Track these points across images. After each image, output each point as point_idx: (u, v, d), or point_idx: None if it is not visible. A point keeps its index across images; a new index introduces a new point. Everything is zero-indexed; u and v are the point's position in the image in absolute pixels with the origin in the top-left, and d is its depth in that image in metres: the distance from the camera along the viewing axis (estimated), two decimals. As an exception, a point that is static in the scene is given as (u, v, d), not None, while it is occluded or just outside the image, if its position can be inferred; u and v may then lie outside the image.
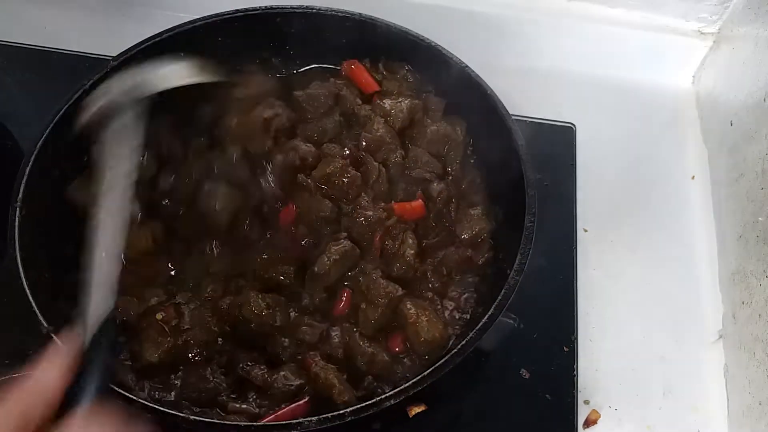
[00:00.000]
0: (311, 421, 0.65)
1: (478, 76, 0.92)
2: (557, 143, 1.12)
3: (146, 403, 0.67)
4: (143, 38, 0.94)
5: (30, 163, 0.81)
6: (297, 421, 0.66)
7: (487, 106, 0.91)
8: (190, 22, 0.95)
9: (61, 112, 0.85)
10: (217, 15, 0.96)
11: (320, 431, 0.66)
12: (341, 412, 0.66)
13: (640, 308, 0.97)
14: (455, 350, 0.71)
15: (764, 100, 0.93)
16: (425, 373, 0.69)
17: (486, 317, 0.73)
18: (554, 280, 0.97)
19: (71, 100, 0.86)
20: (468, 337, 0.72)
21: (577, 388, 0.88)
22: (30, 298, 0.72)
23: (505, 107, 0.90)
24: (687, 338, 0.95)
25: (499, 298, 0.74)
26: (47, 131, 0.83)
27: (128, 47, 0.92)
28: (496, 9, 1.22)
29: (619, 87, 1.22)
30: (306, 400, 0.75)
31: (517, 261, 0.76)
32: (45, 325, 0.70)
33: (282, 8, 0.98)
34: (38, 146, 0.82)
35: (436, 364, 0.70)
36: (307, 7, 0.98)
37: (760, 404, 0.81)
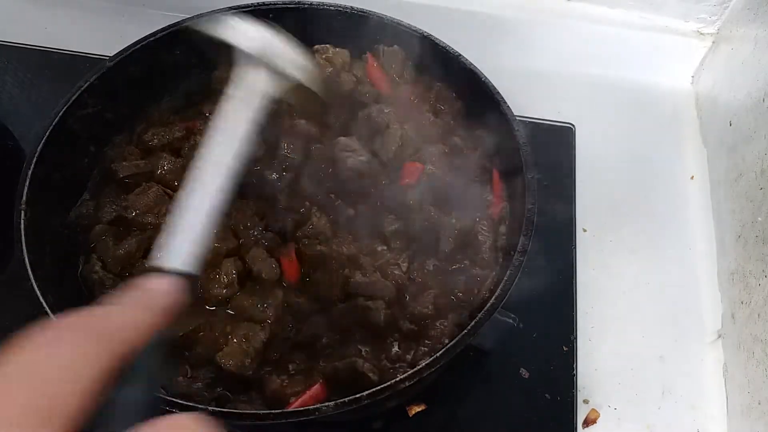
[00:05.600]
0: (328, 406, 0.65)
1: (471, 64, 0.93)
2: (557, 143, 1.12)
3: (164, 396, 0.66)
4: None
5: (33, 165, 0.80)
6: (314, 407, 0.66)
7: (481, 93, 0.91)
8: (186, 19, 0.95)
9: (60, 113, 0.85)
10: (210, 12, 0.96)
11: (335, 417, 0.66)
12: (357, 396, 0.66)
13: (639, 308, 0.97)
14: (465, 330, 0.70)
15: (763, 100, 0.93)
16: (437, 354, 0.69)
17: (494, 298, 0.73)
18: (554, 280, 0.97)
19: (70, 101, 0.86)
20: (477, 318, 0.71)
21: (576, 388, 0.88)
22: (41, 299, 0.71)
23: (500, 94, 0.90)
24: (686, 338, 0.95)
25: (505, 279, 0.74)
26: (48, 132, 0.83)
27: (125, 47, 0.93)
28: (496, 9, 1.22)
29: (619, 87, 1.22)
30: (320, 382, 0.75)
31: (520, 243, 0.77)
32: None
33: (274, 4, 0.99)
34: (39, 148, 0.82)
35: (448, 345, 0.70)
36: (299, 3, 0.99)
37: (759, 404, 0.81)
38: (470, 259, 0.85)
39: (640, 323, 0.96)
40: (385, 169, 0.90)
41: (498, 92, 0.90)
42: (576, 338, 0.92)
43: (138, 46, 0.93)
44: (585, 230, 1.04)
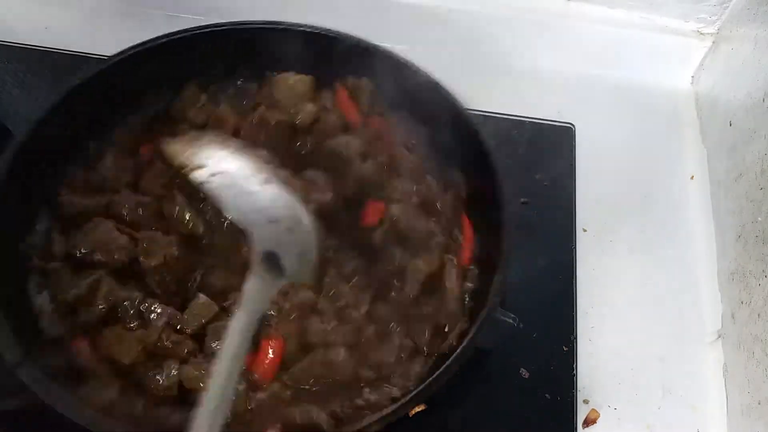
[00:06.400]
0: None
1: (449, 91, 0.88)
2: (557, 143, 1.12)
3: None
4: (142, 38, 0.93)
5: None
6: None
7: (457, 125, 0.88)
8: (182, 30, 0.93)
9: (50, 112, 0.83)
10: (213, 25, 0.94)
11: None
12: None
13: (640, 308, 0.97)
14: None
15: (763, 100, 0.93)
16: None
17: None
18: (554, 280, 0.97)
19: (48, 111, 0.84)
20: (469, 336, 0.72)
21: (576, 388, 0.88)
22: None
23: (478, 128, 0.86)
24: (686, 338, 0.95)
25: (470, 335, 0.73)
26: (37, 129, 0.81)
27: (122, 49, 0.91)
28: (497, 9, 1.22)
29: (619, 87, 1.22)
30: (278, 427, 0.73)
31: (489, 299, 0.76)
32: (10, 360, 0.67)
33: (252, 23, 0.94)
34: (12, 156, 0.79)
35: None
36: (276, 23, 0.94)
37: (759, 404, 0.81)
38: (435, 307, 0.81)
39: (640, 323, 0.96)
40: (349, 208, 0.85)
41: (479, 129, 0.85)
42: (576, 338, 0.92)
43: (139, 49, 0.90)
44: (585, 230, 1.04)
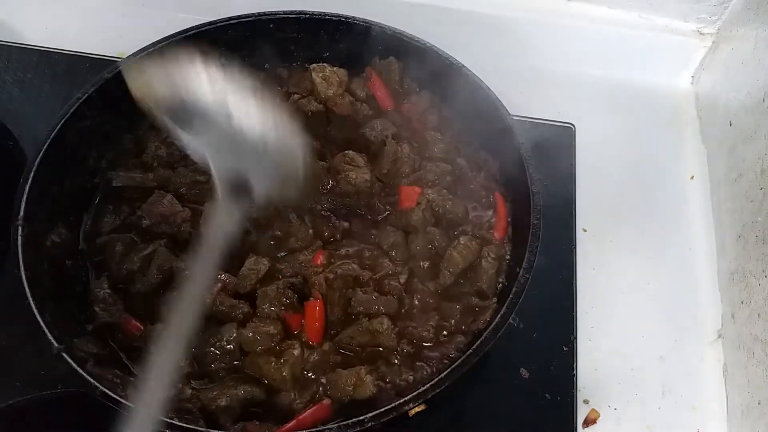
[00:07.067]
0: (331, 428, 0.65)
1: (475, 75, 0.92)
2: (557, 143, 1.12)
3: (169, 420, 0.66)
4: (142, 38, 0.93)
5: (30, 179, 0.77)
6: (317, 429, 0.65)
7: (486, 106, 0.91)
8: (203, 24, 0.95)
9: (58, 126, 0.83)
10: (237, 17, 0.96)
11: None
12: (361, 418, 0.66)
13: (640, 308, 0.97)
14: (471, 350, 0.71)
15: (763, 100, 0.93)
16: (443, 374, 0.70)
17: (499, 316, 0.74)
18: (554, 280, 0.97)
19: (68, 113, 0.84)
20: (483, 337, 0.72)
21: (576, 388, 0.88)
22: (38, 317, 0.69)
23: (504, 107, 0.90)
24: (686, 338, 0.95)
25: (511, 296, 0.74)
26: (45, 146, 0.81)
27: (134, 51, 0.91)
28: (496, 9, 1.22)
29: (619, 87, 1.22)
30: (327, 401, 0.74)
31: (525, 259, 0.77)
32: (55, 344, 0.68)
33: (275, 14, 0.97)
34: (37, 162, 0.79)
35: (454, 364, 0.71)
36: (300, 12, 0.98)
37: (759, 404, 0.81)
38: (471, 286, 0.84)
39: (640, 323, 0.96)
40: (384, 189, 0.90)
41: (506, 110, 0.89)
42: (576, 338, 0.92)
43: (153, 48, 0.91)
44: (585, 230, 1.04)
